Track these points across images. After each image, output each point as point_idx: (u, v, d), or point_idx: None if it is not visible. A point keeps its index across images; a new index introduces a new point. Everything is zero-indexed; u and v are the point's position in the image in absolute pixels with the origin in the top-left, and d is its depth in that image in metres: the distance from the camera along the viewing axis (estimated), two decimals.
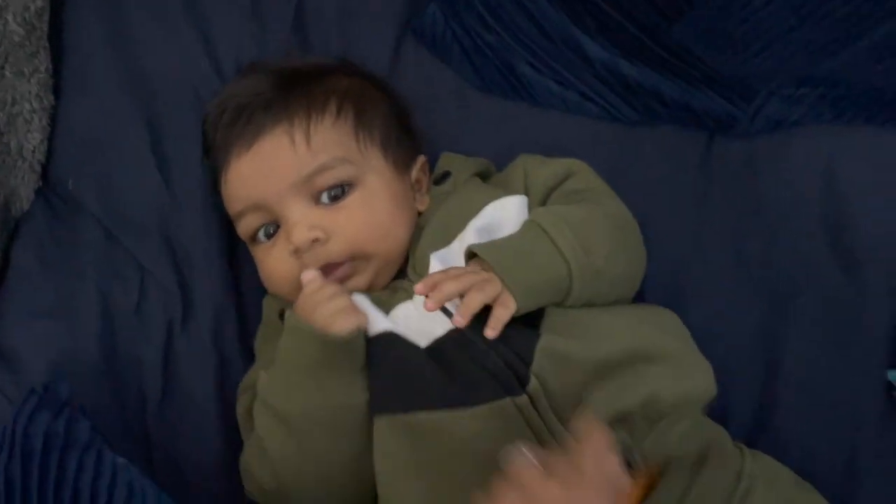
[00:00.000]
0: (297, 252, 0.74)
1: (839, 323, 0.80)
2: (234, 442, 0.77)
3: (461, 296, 0.67)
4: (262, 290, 0.83)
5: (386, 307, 0.73)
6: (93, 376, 0.80)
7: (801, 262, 0.82)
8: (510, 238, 0.72)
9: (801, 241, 0.82)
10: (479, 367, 0.67)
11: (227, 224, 0.85)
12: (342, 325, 0.68)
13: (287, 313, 0.70)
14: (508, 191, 0.79)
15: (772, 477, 0.70)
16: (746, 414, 0.80)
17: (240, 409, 0.75)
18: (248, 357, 0.82)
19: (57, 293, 0.83)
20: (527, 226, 0.73)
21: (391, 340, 0.69)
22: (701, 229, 0.85)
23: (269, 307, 0.81)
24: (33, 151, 0.85)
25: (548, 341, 0.68)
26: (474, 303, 0.66)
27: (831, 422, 0.78)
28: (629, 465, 0.62)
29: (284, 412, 0.68)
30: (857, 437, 0.77)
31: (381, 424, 0.67)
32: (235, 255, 0.86)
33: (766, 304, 0.82)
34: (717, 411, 0.79)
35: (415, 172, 0.82)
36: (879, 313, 0.79)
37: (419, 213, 0.81)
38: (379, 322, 0.71)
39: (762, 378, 0.81)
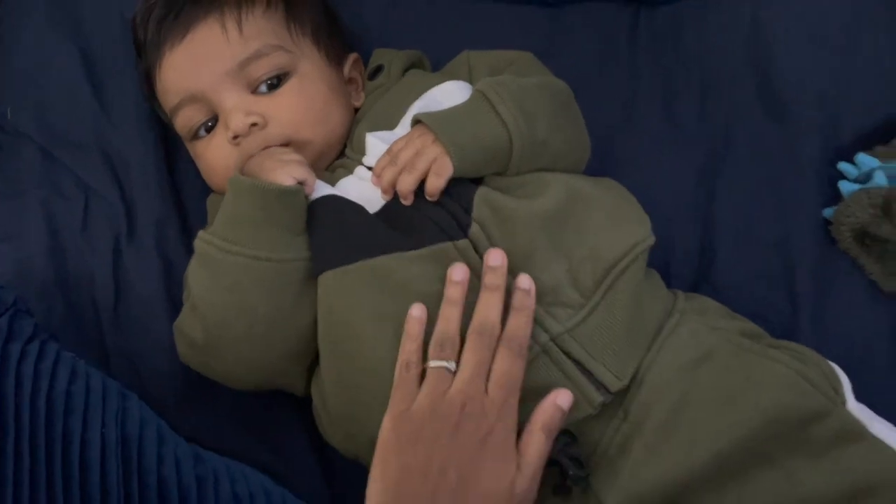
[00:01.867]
0: (235, 139, 0.74)
1: (771, 166, 0.82)
2: None
3: None
4: (202, 196, 0.83)
5: (328, 183, 0.74)
6: (45, 293, 0.82)
7: (732, 113, 0.84)
8: (454, 106, 0.73)
9: (730, 92, 0.84)
10: (423, 217, 0.69)
11: (163, 138, 0.86)
12: (284, 176, 0.69)
13: (231, 177, 0.71)
14: (452, 79, 0.80)
15: (702, 310, 0.71)
16: (687, 267, 0.81)
17: (184, 296, 0.76)
18: None
19: (3, 218, 0.84)
20: (471, 95, 0.74)
21: (334, 202, 0.71)
22: (634, 97, 0.87)
23: (212, 206, 0.81)
24: None
25: (486, 192, 0.69)
26: (405, 186, 0.69)
27: (769, 262, 0.80)
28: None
29: (217, 262, 0.69)
30: (794, 273, 0.79)
31: (325, 280, 0.68)
32: (174, 166, 0.87)
33: (701, 159, 0.84)
34: (658, 268, 0.80)
35: (347, 69, 0.83)
36: (809, 152, 0.81)
37: (356, 110, 0.82)
38: (323, 189, 0.72)
39: (701, 230, 0.82)
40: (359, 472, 0.77)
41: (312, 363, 0.71)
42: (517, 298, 0.65)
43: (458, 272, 0.65)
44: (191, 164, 0.83)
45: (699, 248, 0.82)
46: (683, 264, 0.81)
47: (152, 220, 0.84)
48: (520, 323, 0.64)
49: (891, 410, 0.70)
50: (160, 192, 0.85)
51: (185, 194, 0.86)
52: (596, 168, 0.81)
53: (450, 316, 0.64)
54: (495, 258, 0.65)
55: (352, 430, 0.69)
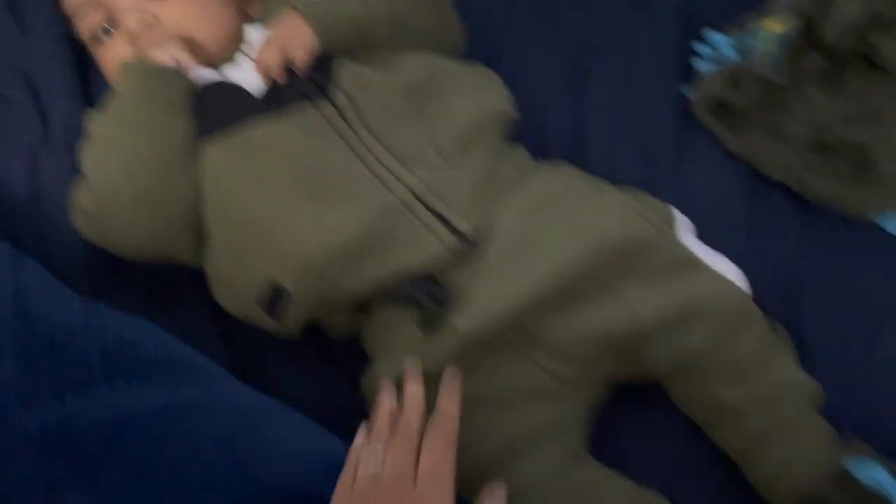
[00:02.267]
0: (131, 38, 0.80)
1: (635, 57, 0.90)
2: None
3: None
4: None
5: None
6: None
7: (603, 15, 0.91)
8: None
9: None
10: (296, 92, 0.75)
11: (76, 49, 0.92)
12: (163, 56, 0.76)
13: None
14: None
15: (560, 170, 0.78)
16: (559, 149, 0.87)
17: None
18: None
19: None
20: None
21: (219, 85, 0.78)
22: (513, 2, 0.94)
23: None
24: None
25: (353, 67, 0.76)
26: (274, 62, 0.75)
27: (635, 138, 0.87)
28: None
29: (100, 135, 0.76)
30: (653, 146, 0.86)
31: (204, 148, 0.75)
32: (87, 76, 0.93)
33: (573, 56, 0.91)
34: (532, 151, 0.85)
35: None
36: (665, 39, 0.88)
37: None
38: (208, 76, 0.79)
39: (572, 114, 0.89)
40: (256, 341, 0.83)
41: (200, 233, 0.77)
42: (441, 402, 0.64)
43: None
44: (101, 71, 0.89)
45: (571, 130, 0.88)
46: (556, 147, 0.87)
47: (66, 124, 0.89)
48: (444, 417, 0.63)
49: (746, 269, 0.76)
50: (73, 99, 0.90)
51: (97, 100, 0.91)
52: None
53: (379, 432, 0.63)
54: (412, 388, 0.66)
55: (240, 290, 0.75)
